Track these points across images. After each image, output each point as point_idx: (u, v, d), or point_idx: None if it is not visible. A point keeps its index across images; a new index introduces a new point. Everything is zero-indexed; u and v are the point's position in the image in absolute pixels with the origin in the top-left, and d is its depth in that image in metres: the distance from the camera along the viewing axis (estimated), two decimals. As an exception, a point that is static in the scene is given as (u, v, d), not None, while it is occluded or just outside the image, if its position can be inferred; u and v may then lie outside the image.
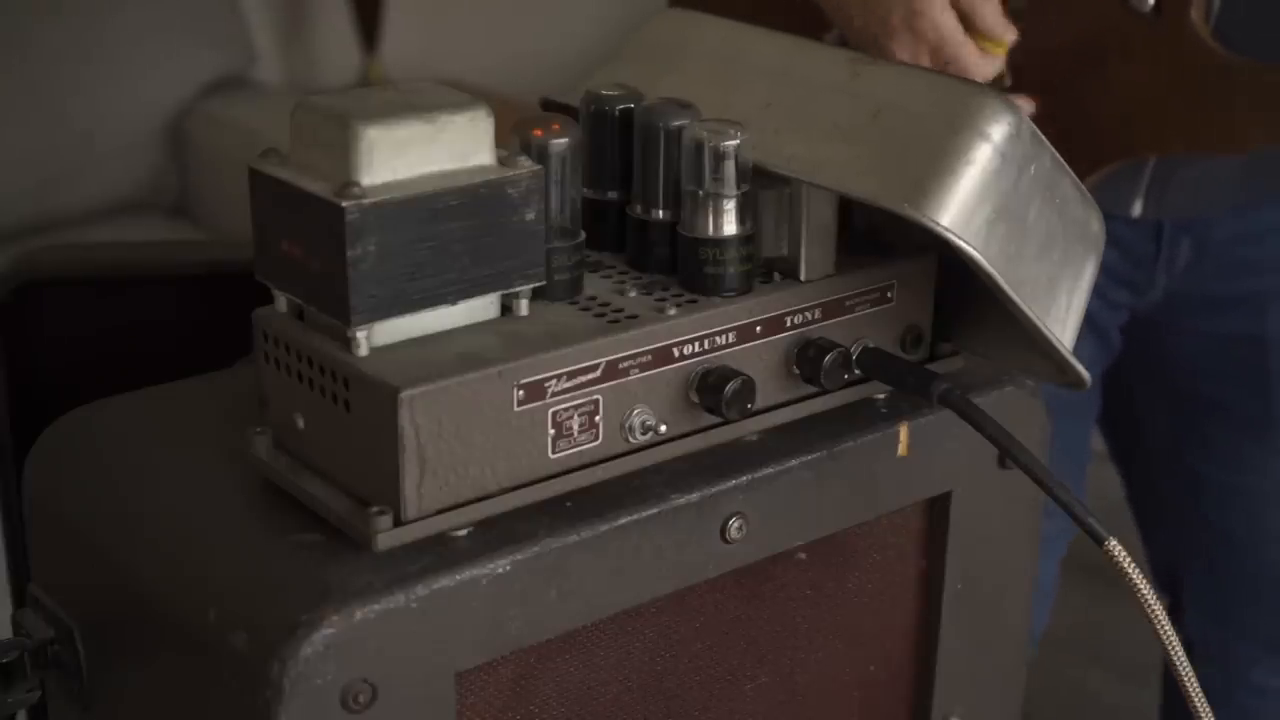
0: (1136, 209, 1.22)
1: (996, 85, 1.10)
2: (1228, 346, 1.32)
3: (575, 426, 0.67)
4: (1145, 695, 1.71)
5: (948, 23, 1.06)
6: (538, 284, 0.68)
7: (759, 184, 0.73)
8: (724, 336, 0.71)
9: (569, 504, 0.67)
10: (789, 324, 0.73)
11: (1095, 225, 0.77)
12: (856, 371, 0.75)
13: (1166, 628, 0.70)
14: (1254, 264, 1.28)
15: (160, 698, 0.68)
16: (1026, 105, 1.08)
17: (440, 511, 0.64)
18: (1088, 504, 0.69)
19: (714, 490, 0.70)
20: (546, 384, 0.66)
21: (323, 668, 0.60)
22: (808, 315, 0.73)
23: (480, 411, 0.64)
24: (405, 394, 0.62)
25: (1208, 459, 1.37)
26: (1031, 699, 0.90)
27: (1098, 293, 0.79)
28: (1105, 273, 0.81)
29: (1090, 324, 1.19)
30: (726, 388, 0.70)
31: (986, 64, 1.08)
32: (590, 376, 0.67)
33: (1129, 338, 1.34)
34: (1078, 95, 1.11)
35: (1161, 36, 1.09)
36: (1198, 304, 1.30)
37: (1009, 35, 1.08)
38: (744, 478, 0.71)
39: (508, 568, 0.64)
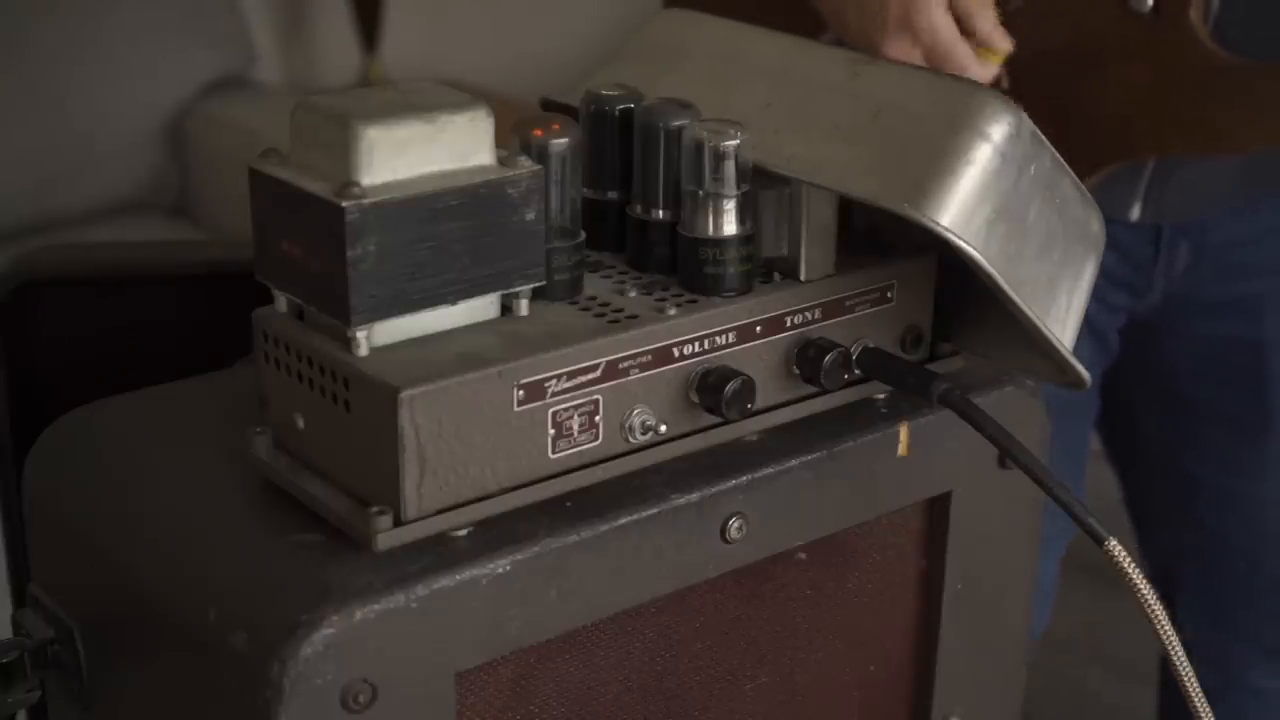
0: (1135, 212, 1.22)
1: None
2: (1225, 350, 1.32)
3: (575, 426, 0.67)
4: (1145, 695, 1.71)
5: (944, 23, 1.05)
6: (538, 284, 0.68)
7: (759, 184, 0.72)
8: (724, 336, 0.71)
9: (569, 504, 0.67)
10: (789, 324, 0.73)
11: (1095, 225, 0.77)
12: (856, 371, 0.75)
13: (1166, 628, 0.70)
14: (1252, 267, 1.28)
15: (160, 698, 0.68)
16: None
17: (440, 511, 0.64)
18: (1087, 504, 0.69)
19: (714, 490, 0.70)
20: (546, 384, 0.66)
21: (323, 668, 0.60)
22: (808, 315, 0.73)
23: (480, 411, 0.64)
24: (405, 394, 0.62)
25: (1203, 462, 1.37)
26: (1031, 699, 0.90)
27: (1096, 295, 0.79)
28: (1103, 275, 0.81)
29: (1088, 326, 1.19)
30: (726, 388, 0.70)
31: (981, 69, 1.07)
32: (590, 376, 0.67)
33: (1127, 340, 1.34)
34: (1077, 96, 1.11)
35: (1160, 37, 1.09)
36: (1195, 307, 1.30)
37: (1005, 45, 1.08)
38: (744, 478, 0.71)
39: (508, 568, 0.64)
